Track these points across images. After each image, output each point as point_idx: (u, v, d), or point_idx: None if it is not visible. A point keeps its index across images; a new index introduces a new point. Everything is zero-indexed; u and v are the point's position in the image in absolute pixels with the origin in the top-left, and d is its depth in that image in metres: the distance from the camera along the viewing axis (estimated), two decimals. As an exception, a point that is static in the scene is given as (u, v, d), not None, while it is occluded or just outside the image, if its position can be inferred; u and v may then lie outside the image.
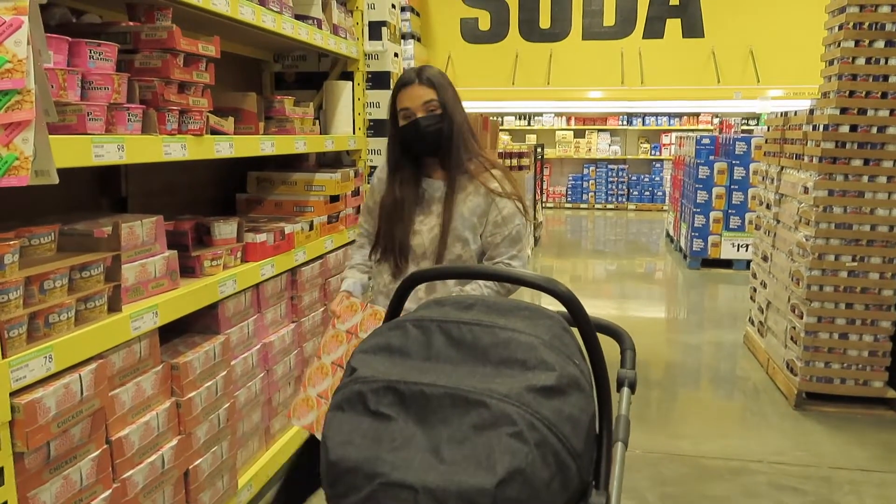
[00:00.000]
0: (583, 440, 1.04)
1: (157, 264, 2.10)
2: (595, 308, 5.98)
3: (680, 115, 13.30)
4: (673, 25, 11.97)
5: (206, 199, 3.22)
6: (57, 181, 1.41)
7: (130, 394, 1.95)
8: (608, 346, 1.26)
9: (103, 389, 1.78)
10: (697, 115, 13.21)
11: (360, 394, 1.02)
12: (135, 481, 1.93)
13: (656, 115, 13.31)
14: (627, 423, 1.27)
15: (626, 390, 1.35)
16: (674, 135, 11.87)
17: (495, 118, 5.00)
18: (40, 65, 1.37)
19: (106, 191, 2.70)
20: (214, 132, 2.39)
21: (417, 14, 12.20)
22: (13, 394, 1.51)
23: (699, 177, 7.53)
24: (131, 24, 2.08)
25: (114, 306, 1.88)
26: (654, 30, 12.05)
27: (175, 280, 2.17)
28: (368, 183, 3.68)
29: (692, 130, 12.55)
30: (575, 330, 1.21)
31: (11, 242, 1.53)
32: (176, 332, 2.33)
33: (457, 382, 1.00)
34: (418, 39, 12.01)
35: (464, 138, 2.01)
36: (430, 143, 1.96)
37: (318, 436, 1.77)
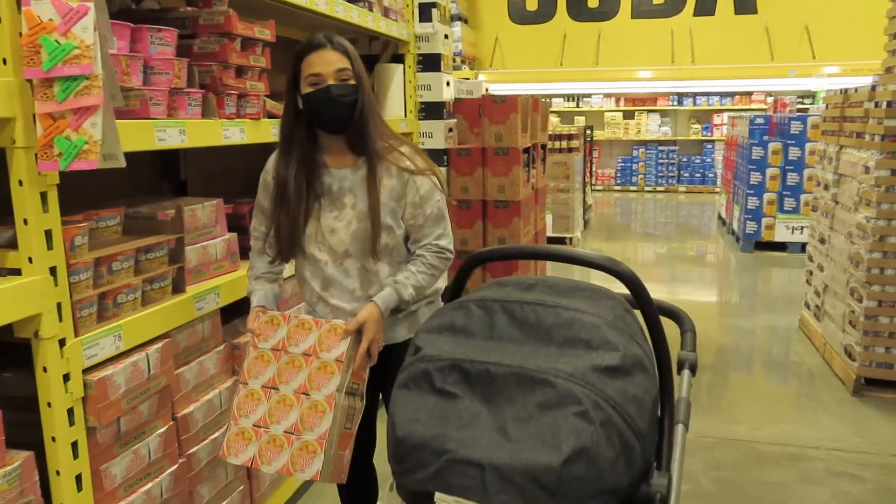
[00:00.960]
0: (647, 421, 1.03)
1: (218, 246, 2.14)
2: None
3: (732, 95, 12.90)
4: (724, 2, 11.59)
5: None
6: (124, 164, 1.46)
7: (194, 372, 2.01)
8: (667, 327, 1.24)
9: (169, 368, 1.84)
10: (750, 94, 12.79)
11: (425, 372, 1.03)
12: (199, 457, 1.99)
13: (707, 94, 12.93)
14: (688, 406, 1.26)
15: (686, 372, 1.33)
16: (726, 115, 11.52)
17: (545, 100, 4.95)
18: (106, 50, 1.41)
19: (166, 174, 2.77)
20: (271, 116, 2.43)
21: (464, -4, 12.11)
22: (86, 371, 1.57)
23: (752, 158, 7.30)
24: (189, 9, 2.12)
25: (178, 287, 1.94)
26: (704, 7, 11.69)
27: (235, 262, 2.22)
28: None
29: (745, 110, 12.17)
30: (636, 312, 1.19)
31: (81, 225, 1.58)
32: (237, 313, 2.38)
33: (521, 362, 1.00)
34: (465, 21, 11.92)
35: (374, 115, 1.78)
36: (341, 117, 1.71)
37: (264, 469, 1.68)
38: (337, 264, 1.81)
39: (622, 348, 1.02)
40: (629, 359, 1.02)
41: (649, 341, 1.14)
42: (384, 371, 1.79)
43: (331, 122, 1.74)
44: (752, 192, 7.35)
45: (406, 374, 1.06)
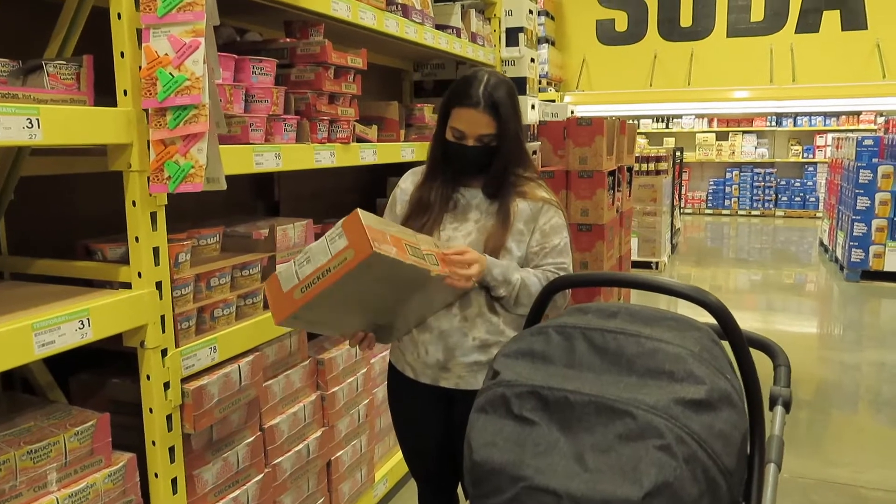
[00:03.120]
0: (734, 458, 0.99)
1: (307, 265, 2.23)
2: (737, 320, 5.62)
3: (837, 115, 12.23)
4: (830, 18, 11.08)
5: (350, 204, 3.37)
6: (225, 188, 1.55)
7: (281, 385, 2.09)
8: (758, 360, 1.19)
9: (258, 380, 1.92)
10: (858, 113, 12.09)
11: (503, 397, 1.03)
12: (283, 468, 2.07)
13: (809, 114, 12.33)
14: (781, 444, 1.20)
15: (779, 409, 1.27)
16: (829, 136, 10.94)
17: (632, 121, 4.87)
18: (213, 81, 1.51)
19: (261, 195, 2.92)
20: (360, 140, 2.51)
21: (552, 18, 12.13)
22: (184, 380, 1.67)
23: (860, 181, 6.89)
24: (288, 40, 2.23)
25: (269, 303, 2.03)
26: (808, 23, 11.21)
27: (322, 280, 2.30)
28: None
29: (851, 131, 11.50)
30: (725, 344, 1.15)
31: (185, 242, 1.69)
32: (321, 329, 2.47)
33: (601, 391, 0.99)
34: (552, 43, 11.93)
35: (518, 159, 1.77)
36: (475, 171, 1.74)
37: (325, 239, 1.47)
38: None
39: (708, 382, 0.99)
40: (716, 392, 0.98)
41: (739, 376, 1.10)
42: (455, 421, 1.75)
43: (466, 172, 1.76)
44: (858, 217, 6.93)
45: (484, 398, 1.07)
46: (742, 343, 1.09)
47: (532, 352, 1.10)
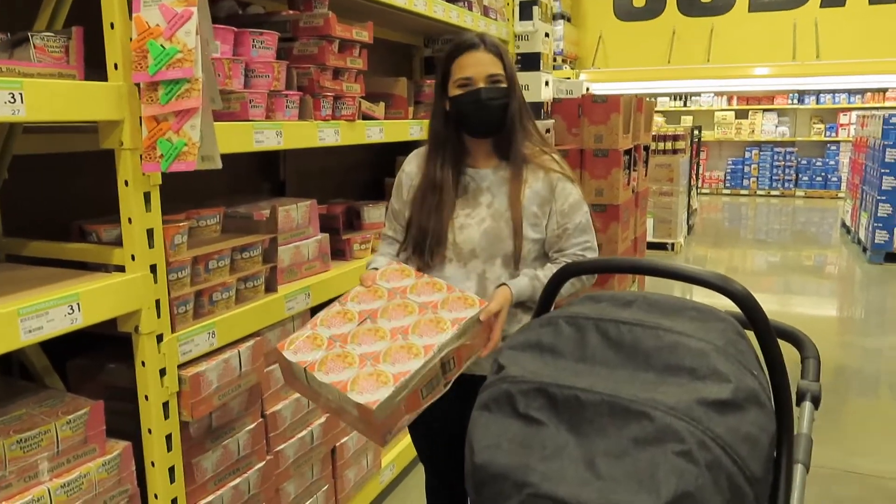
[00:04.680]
0: (761, 463, 0.91)
1: (311, 247, 2.16)
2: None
3: (862, 92, 11.91)
4: (857, -9, 10.75)
5: (358, 183, 3.30)
6: (220, 167, 1.47)
7: (284, 370, 2.03)
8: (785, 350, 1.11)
9: (259, 366, 1.86)
10: (884, 90, 11.76)
11: (508, 394, 0.95)
12: (286, 455, 2.01)
13: (833, 92, 12.01)
14: (809, 443, 1.12)
15: (808, 405, 1.18)
16: (854, 114, 10.67)
17: (650, 99, 4.72)
18: (208, 54, 1.43)
19: (266, 174, 2.84)
20: (366, 117, 2.43)
21: (568, -7, 11.88)
22: (181, 366, 1.61)
23: (886, 160, 6.69)
24: (291, 12, 2.14)
25: (270, 287, 1.96)
26: (833, -3, 10.88)
27: (326, 262, 2.23)
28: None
29: (878, 108, 11.20)
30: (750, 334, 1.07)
31: (181, 224, 1.62)
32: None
33: (615, 389, 0.91)
34: (568, 19, 11.69)
35: (523, 117, 1.69)
36: (490, 121, 1.63)
37: (318, 376, 1.41)
38: (460, 264, 1.69)
39: (734, 380, 0.90)
40: (742, 392, 0.90)
41: (765, 370, 1.02)
42: (469, 403, 1.69)
43: (479, 127, 1.66)
44: (883, 198, 6.74)
45: (487, 394, 0.99)
46: (771, 335, 1.00)
47: (540, 344, 1.02)
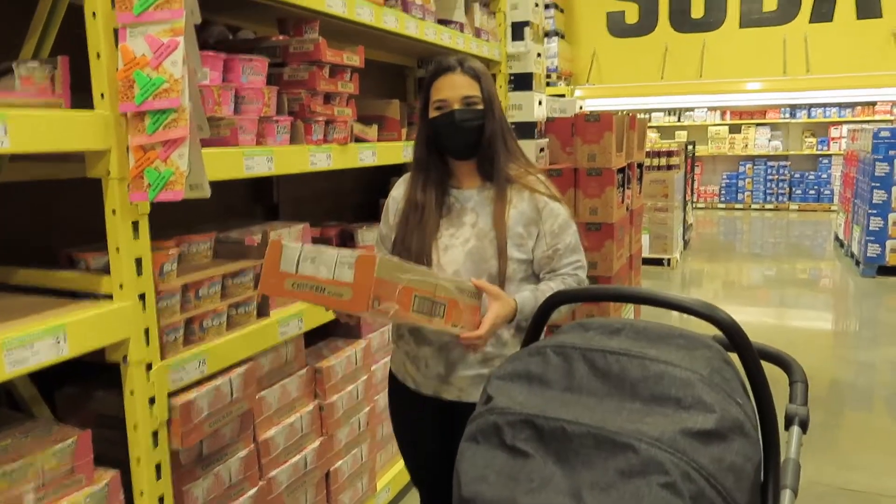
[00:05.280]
0: (747, 492, 0.91)
1: (302, 270, 2.15)
2: (750, 316, 5.52)
3: (852, 106, 12.01)
4: (845, 6, 10.84)
5: (352, 205, 3.31)
6: (209, 195, 1.48)
7: (276, 395, 2.02)
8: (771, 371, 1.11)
9: (252, 391, 1.86)
10: (873, 104, 11.86)
11: (495, 426, 0.95)
12: (279, 480, 2.00)
13: (824, 105, 12.11)
14: (797, 468, 1.11)
15: (795, 429, 1.18)
16: (845, 127, 10.75)
17: (643, 115, 4.75)
18: (195, 83, 1.43)
19: (259, 198, 2.85)
20: (359, 140, 2.44)
21: (561, 10, 11.99)
22: (171, 394, 1.60)
23: (876, 174, 6.74)
24: (281, 38, 2.16)
25: (262, 311, 1.96)
26: (822, 12, 10.99)
27: (318, 286, 2.22)
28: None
29: (867, 122, 11.29)
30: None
31: (170, 252, 1.62)
32: (320, 336, 2.40)
33: (601, 420, 0.90)
34: (562, 36, 11.79)
35: (505, 139, 1.70)
36: (465, 143, 1.64)
37: (318, 246, 1.39)
38: None
39: (719, 409, 0.90)
40: (726, 422, 0.90)
41: (751, 396, 1.02)
42: (458, 429, 1.68)
43: (455, 148, 1.67)
44: (875, 211, 6.78)
45: (475, 425, 0.99)
46: (756, 363, 1.00)
47: (528, 374, 1.02)
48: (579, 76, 12.55)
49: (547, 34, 11.63)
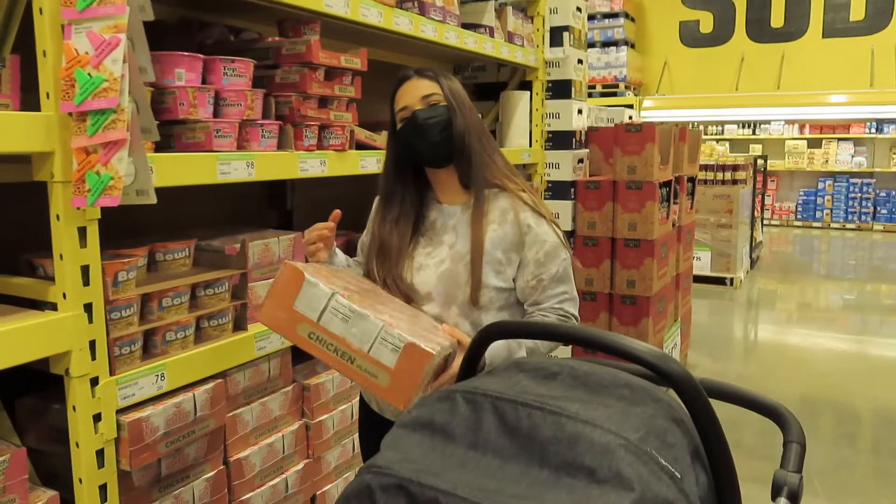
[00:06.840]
0: None
1: (289, 283, 2.05)
2: (826, 341, 5.09)
3: (950, 120, 11.11)
4: (942, 14, 10.08)
5: (370, 212, 3.20)
6: (155, 201, 1.39)
7: (255, 414, 1.92)
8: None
9: (221, 409, 1.76)
10: (974, 119, 10.93)
11: (368, 489, 0.79)
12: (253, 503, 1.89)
13: (916, 120, 11.25)
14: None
15: (783, 501, 0.97)
16: (939, 143, 9.93)
17: (695, 127, 4.42)
18: (140, 82, 1.35)
19: (274, 204, 2.78)
20: (364, 146, 2.33)
21: (632, 19, 11.65)
22: (122, 411, 1.52)
23: (970, 195, 6.14)
24: (276, 39, 2.07)
25: (239, 325, 1.86)
26: (916, 21, 10.24)
27: (308, 299, 2.12)
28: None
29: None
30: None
31: (125, 260, 1.54)
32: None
33: (494, 492, 0.73)
34: (632, 46, 11.44)
35: (482, 141, 1.57)
36: (433, 142, 1.51)
37: (353, 305, 1.25)
38: (416, 306, 1.57)
39: (638, 486, 0.71)
40: (647, 502, 0.71)
41: (707, 468, 0.82)
42: None
43: (426, 151, 1.54)
44: (965, 235, 6.18)
45: (351, 486, 0.83)
46: (714, 429, 0.81)
47: (432, 424, 0.85)
48: (649, 86, 12.16)
49: (615, 43, 11.31)
